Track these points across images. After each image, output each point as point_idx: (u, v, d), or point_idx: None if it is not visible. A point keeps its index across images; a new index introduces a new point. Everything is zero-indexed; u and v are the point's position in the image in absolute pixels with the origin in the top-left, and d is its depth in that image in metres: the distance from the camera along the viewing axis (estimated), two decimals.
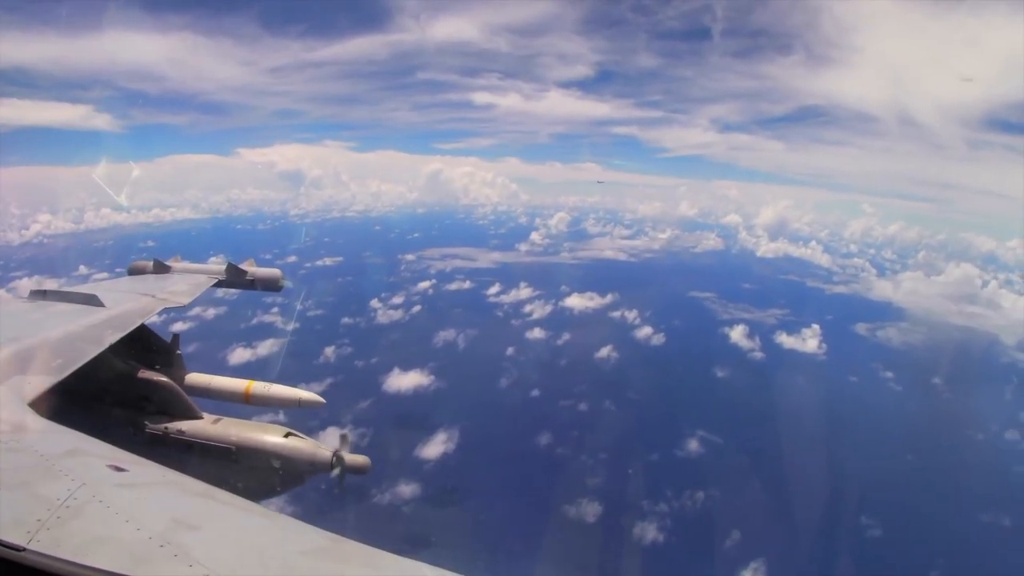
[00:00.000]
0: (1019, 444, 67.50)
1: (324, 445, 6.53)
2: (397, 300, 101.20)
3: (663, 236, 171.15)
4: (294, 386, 7.60)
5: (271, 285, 9.52)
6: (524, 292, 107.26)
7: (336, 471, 6.41)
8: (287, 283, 9.61)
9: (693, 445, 62.90)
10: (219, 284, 9.49)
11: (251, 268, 9.48)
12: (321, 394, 7.48)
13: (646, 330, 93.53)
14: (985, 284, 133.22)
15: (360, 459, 6.55)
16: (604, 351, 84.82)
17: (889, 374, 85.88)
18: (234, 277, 9.46)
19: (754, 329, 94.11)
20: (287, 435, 6.58)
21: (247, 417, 6.99)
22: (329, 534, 3.10)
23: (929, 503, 57.85)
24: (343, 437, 6.65)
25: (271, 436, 6.59)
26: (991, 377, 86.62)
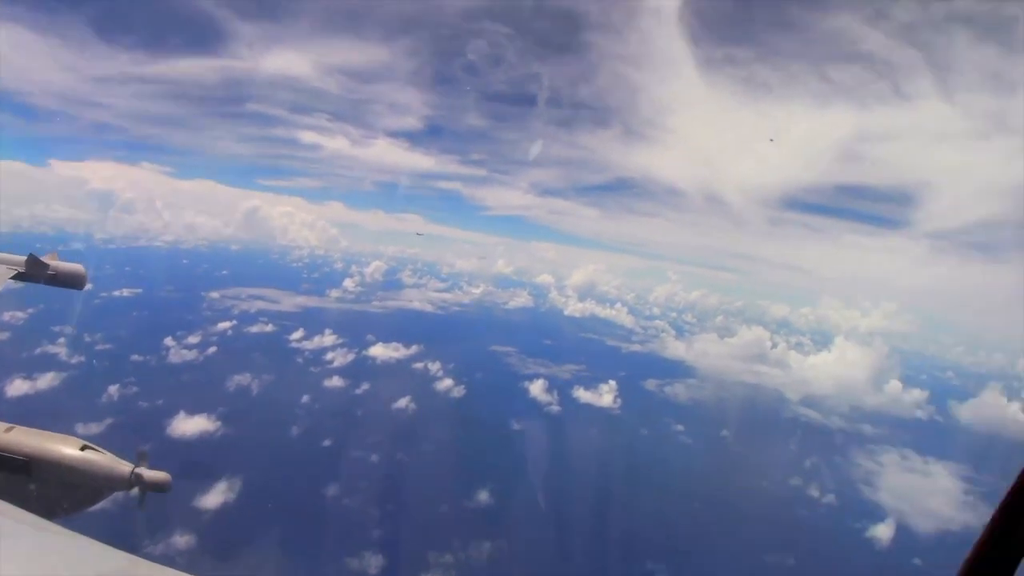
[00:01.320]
0: (803, 490, 75.78)
1: (124, 461, 6.04)
2: (193, 339, 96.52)
3: (476, 291, 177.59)
4: (62, 432, 6.53)
5: (73, 282, 9.04)
6: (328, 339, 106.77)
7: (135, 489, 5.96)
8: (89, 285, 9.13)
9: (483, 496, 65.08)
10: (18, 277, 8.83)
11: (53, 262, 8.95)
12: (99, 436, 6.94)
13: (447, 382, 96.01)
14: (775, 346, 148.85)
15: (160, 476, 6.07)
16: (403, 402, 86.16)
17: (680, 427, 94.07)
18: (34, 270, 8.84)
19: (553, 383, 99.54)
20: (83, 448, 6.04)
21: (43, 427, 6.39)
22: (128, 555, 2.93)
23: (718, 547, 63.11)
24: (141, 454, 6.13)
25: (66, 448, 5.97)
26: (777, 429, 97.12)
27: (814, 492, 77.45)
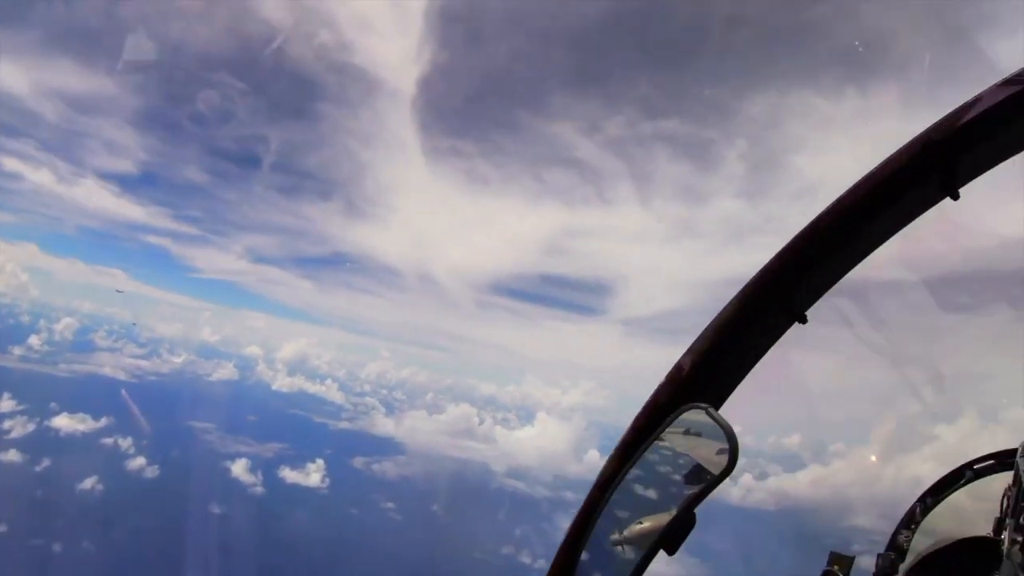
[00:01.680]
0: (515, 557, 77.22)
1: None
2: None
3: (177, 360, 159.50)
4: None
5: None
6: (6, 404, 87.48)
7: None
8: None
9: None
10: None
11: None
12: None
13: (140, 460, 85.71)
14: (482, 422, 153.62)
15: None
16: (89, 482, 74.87)
17: (390, 504, 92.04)
18: None
19: (257, 463, 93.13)
20: None
21: None
22: None
23: None
24: None
25: None
26: (486, 501, 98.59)
27: (526, 558, 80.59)
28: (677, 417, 1.58)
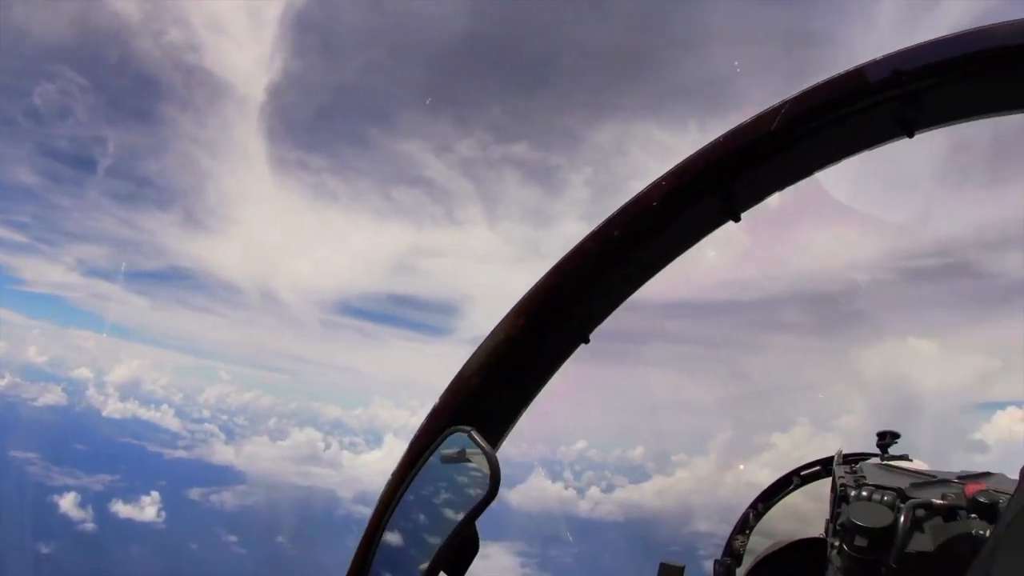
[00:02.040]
0: None
1: None
2: None
3: None
4: None
5: None
6: None
7: None
8: None
9: None
10: None
11: None
12: None
13: None
14: (328, 447, 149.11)
15: None
16: None
17: (232, 538, 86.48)
18: None
19: (86, 496, 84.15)
20: None
21: None
22: None
23: None
24: None
25: None
26: (333, 529, 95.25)
27: None
28: (442, 441, 1.54)
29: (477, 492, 1.40)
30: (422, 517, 1.59)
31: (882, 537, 1.65)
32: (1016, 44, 1.46)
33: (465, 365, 1.71)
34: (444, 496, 1.55)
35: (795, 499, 4.01)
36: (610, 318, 1.73)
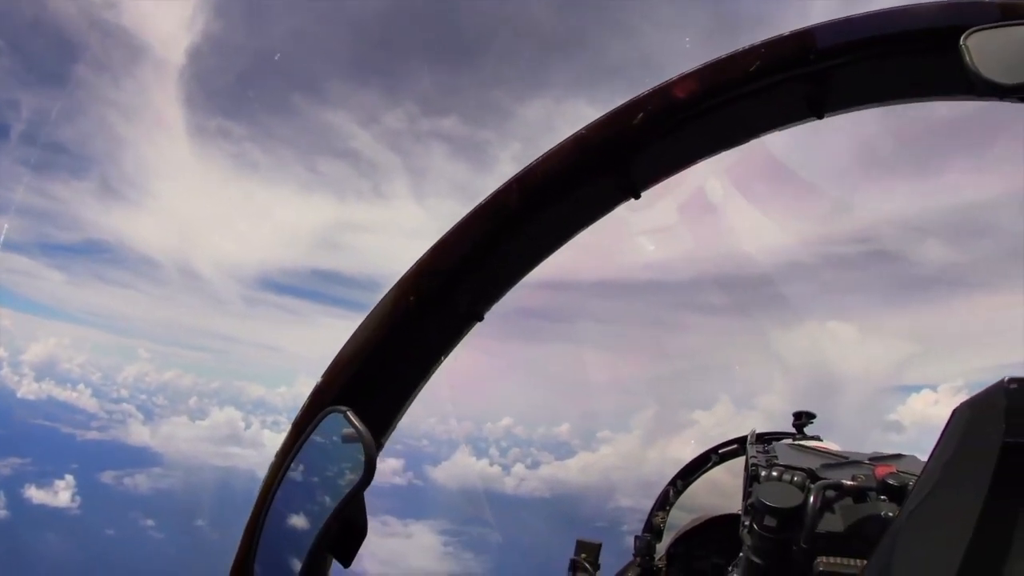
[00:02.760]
0: None
1: None
2: None
3: None
4: None
5: None
6: None
7: None
8: None
9: None
10: None
11: None
12: None
13: None
14: (248, 426, 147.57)
15: None
16: None
17: (150, 522, 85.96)
18: None
19: None
20: None
21: None
22: None
23: None
24: None
25: None
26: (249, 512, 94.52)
27: None
28: (319, 423, 1.55)
29: (353, 476, 1.37)
30: (303, 501, 1.56)
31: (792, 517, 1.69)
32: (940, 26, 1.46)
33: (347, 343, 1.70)
34: (323, 479, 1.53)
35: (717, 473, 4.20)
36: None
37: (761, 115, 1.68)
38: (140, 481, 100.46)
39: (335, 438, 1.47)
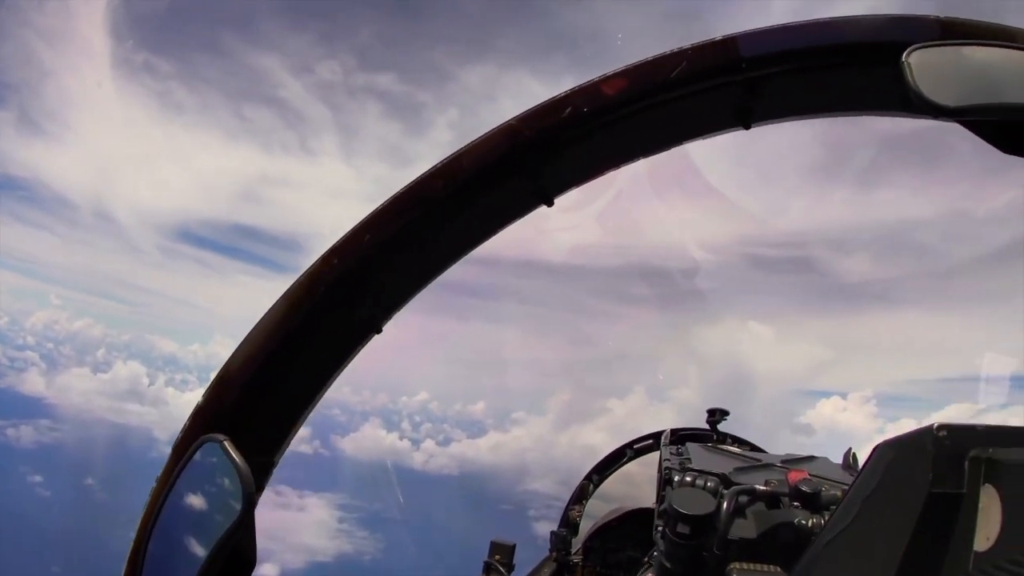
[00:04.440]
0: None
1: None
2: None
3: None
4: None
5: None
6: None
7: None
8: None
9: None
10: None
11: None
12: None
13: None
14: (152, 382, 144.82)
15: None
16: None
17: (37, 478, 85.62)
18: None
19: None
20: None
21: None
22: None
23: None
24: None
25: None
26: (146, 472, 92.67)
27: None
28: (194, 452, 1.45)
29: (226, 507, 1.32)
30: (184, 534, 1.49)
31: (704, 524, 1.67)
32: (880, 40, 1.47)
33: (230, 359, 1.61)
34: (203, 512, 1.46)
35: (634, 464, 4.27)
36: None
37: (685, 121, 1.69)
38: (25, 433, 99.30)
39: (214, 468, 1.41)
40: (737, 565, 1.61)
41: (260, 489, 1.55)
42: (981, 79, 1.39)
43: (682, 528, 1.67)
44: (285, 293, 1.59)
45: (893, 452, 1.04)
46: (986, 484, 0.85)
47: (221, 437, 1.39)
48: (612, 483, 4.30)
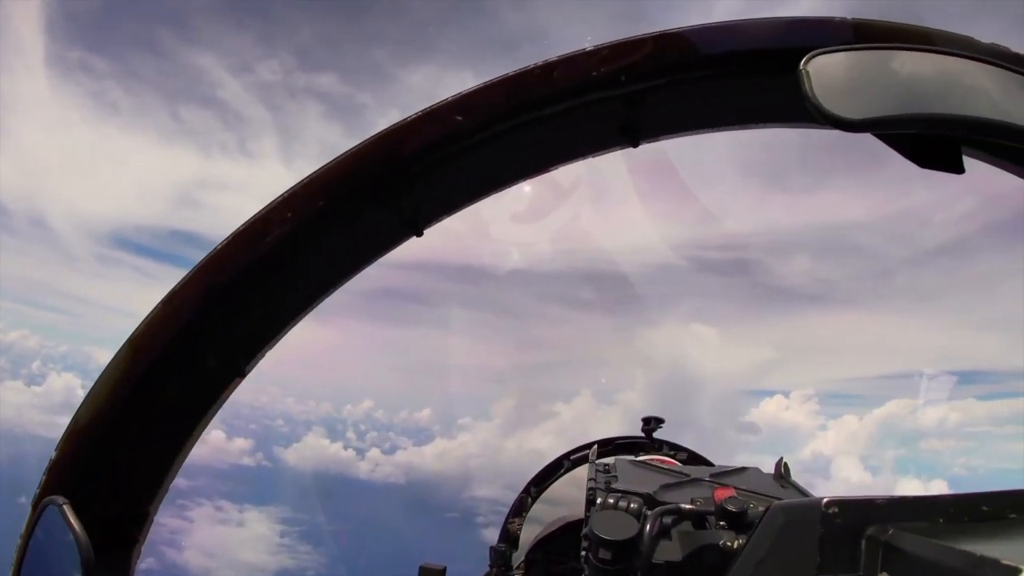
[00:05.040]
0: None
1: None
2: None
3: None
4: None
5: None
6: None
7: None
8: None
9: None
10: None
11: None
12: None
13: None
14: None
15: None
16: None
17: None
18: None
19: None
20: None
21: None
22: None
23: None
24: None
25: None
26: None
27: None
28: (39, 516, 1.36)
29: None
30: None
31: (626, 548, 1.59)
32: (780, 47, 1.35)
33: (78, 412, 1.52)
34: None
35: (580, 471, 4.13)
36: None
37: (564, 140, 1.57)
38: None
39: (58, 533, 1.30)
40: None
41: (136, 542, 1.54)
42: (889, 87, 1.29)
43: (603, 554, 1.61)
44: (128, 340, 1.52)
45: (783, 518, 0.97)
46: (883, 572, 0.78)
47: (61, 500, 1.31)
48: (561, 487, 4.21)
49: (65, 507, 1.27)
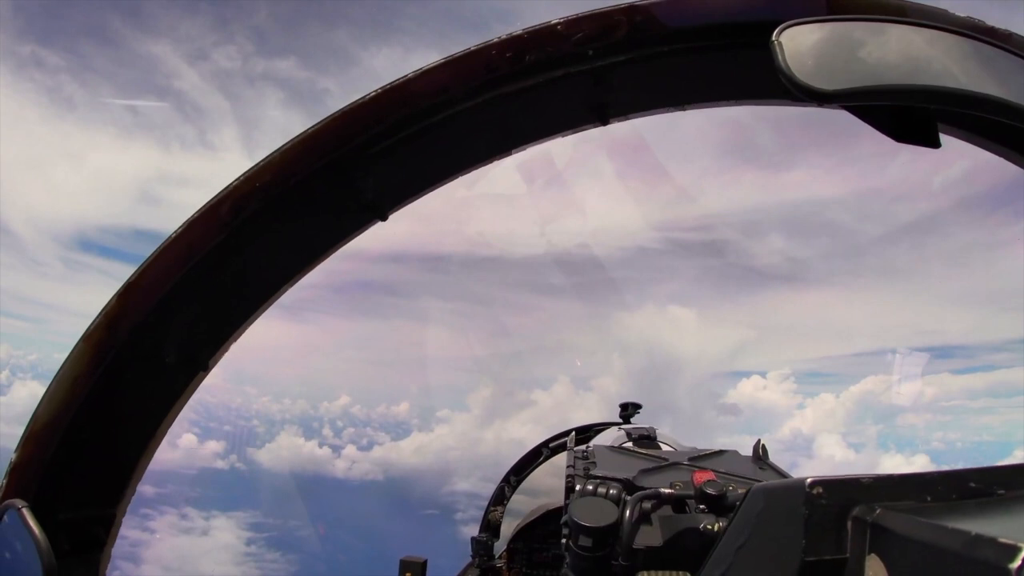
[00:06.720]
0: None
1: None
2: None
3: None
4: None
5: None
6: None
7: None
8: None
9: None
10: None
11: None
12: None
13: None
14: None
15: None
16: None
17: None
18: None
19: None
20: None
21: None
22: None
23: None
24: None
25: None
26: None
27: None
28: (1, 518, 1.34)
29: None
30: None
31: (606, 534, 1.65)
32: (753, 19, 1.35)
33: (36, 412, 1.52)
34: None
35: (559, 458, 4.20)
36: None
37: (530, 118, 1.54)
38: None
39: (18, 537, 1.27)
40: (645, 574, 1.62)
41: (103, 545, 1.50)
42: (863, 59, 1.26)
43: (584, 541, 1.67)
44: (84, 335, 1.52)
45: (764, 502, 0.94)
46: (872, 554, 0.76)
47: (20, 503, 1.29)
48: (540, 475, 4.27)
49: (25, 510, 1.27)
